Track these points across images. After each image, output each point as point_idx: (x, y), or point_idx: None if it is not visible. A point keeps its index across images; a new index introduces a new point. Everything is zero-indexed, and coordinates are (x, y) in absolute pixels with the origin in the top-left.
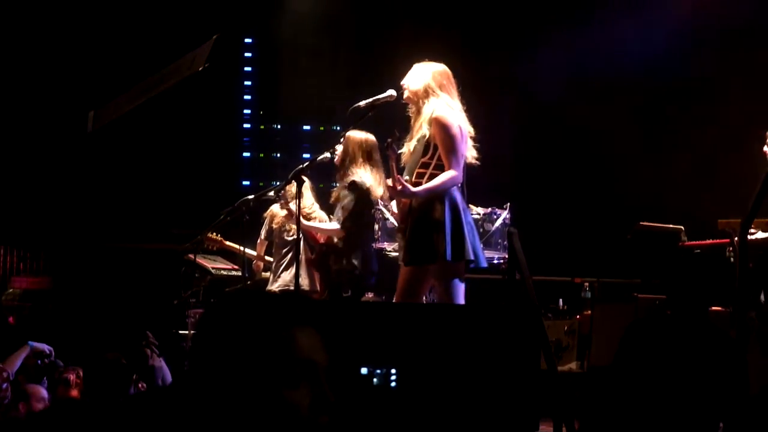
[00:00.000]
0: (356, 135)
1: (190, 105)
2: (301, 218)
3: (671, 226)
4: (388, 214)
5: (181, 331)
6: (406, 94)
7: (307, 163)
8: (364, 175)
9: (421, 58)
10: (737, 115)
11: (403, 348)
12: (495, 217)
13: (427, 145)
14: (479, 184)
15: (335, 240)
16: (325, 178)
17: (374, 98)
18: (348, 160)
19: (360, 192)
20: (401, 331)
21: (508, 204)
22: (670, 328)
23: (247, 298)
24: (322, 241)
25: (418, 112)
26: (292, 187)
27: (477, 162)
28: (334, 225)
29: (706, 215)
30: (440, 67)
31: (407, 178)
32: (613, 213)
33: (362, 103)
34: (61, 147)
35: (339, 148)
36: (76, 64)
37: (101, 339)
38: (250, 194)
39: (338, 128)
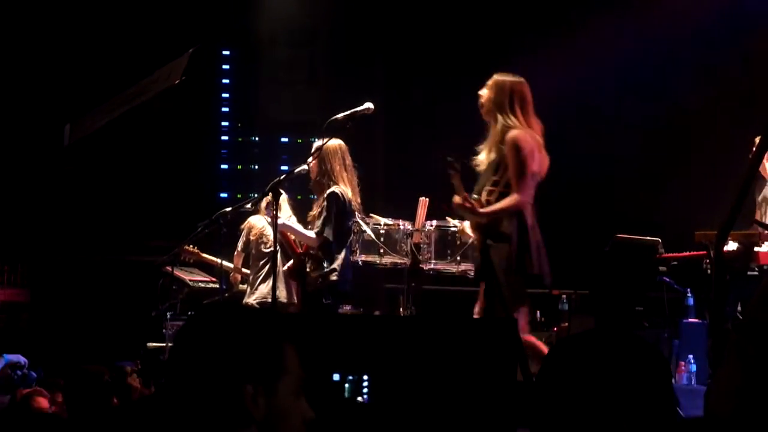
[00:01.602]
0: (330, 144)
1: (168, 117)
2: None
3: (648, 238)
4: (365, 227)
5: (158, 344)
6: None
7: (284, 176)
8: (343, 187)
9: (401, 71)
10: (717, 127)
11: (377, 360)
12: None
13: (498, 164)
14: None
15: (312, 249)
16: (303, 191)
17: (352, 111)
18: (325, 171)
19: (339, 203)
20: (376, 343)
21: None
22: (593, 345)
23: (225, 310)
24: (299, 251)
25: (493, 123)
26: (270, 200)
27: (542, 177)
28: (312, 233)
29: (683, 227)
30: (518, 81)
31: (475, 197)
32: (590, 225)
33: (340, 115)
34: (38, 159)
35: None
36: (53, 77)
37: (78, 351)
38: (228, 206)
39: (315, 140)
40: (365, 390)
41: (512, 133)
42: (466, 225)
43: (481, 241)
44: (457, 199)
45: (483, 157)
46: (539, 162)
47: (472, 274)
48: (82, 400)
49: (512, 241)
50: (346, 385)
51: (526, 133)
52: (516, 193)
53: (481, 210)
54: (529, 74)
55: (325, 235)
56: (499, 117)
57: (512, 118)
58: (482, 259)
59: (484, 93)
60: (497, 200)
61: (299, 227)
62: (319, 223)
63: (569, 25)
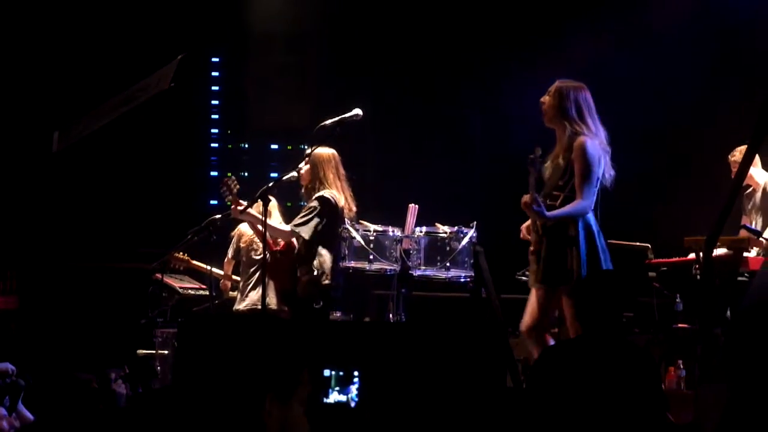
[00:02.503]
0: (322, 152)
1: (157, 124)
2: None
3: (638, 243)
4: (354, 233)
5: (148, 351)
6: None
7: (273, 183)
8: (335, 193)
9: (391, 75)
10: (708, 132)
11: (368, 365)
12: (462, 235)
13: (565, 170)
14: (446, 203)
15: (297, 247)
16: (292, 197)
17: (340, 117)
18: (318, 178)
19: (328, 206)
20: (367, 349)
21: (475, 223)
22: (581, 350)
23: (249, 322)
24: (275, 248)
25: (559, 130)
26: (259, 206)
27: (609, 185)
28: (284, 227)
29: (673, 232)
30: (580, 87)
31: (541, 199)
32: None
33: (328, 122)
34: (27, 166)
35: (304, 167)
36: (42, 84)
37: (68, 359)
38: (218, 213)
39: (305, 147)
40: (355, 393)
41: (580, 139)
42: (525, 226)
43: (546, 244)
44: (526, 198)
45: (549, 163)
46: (605, 168)
47: (468, 280)
48: (71, 407)
49: (579, 245)
50: (336, 388)
51: (594, 140)
52: (580, 199)
53: (547, 213)
54: (523, 79)
55: (299, 232)
56: (566, 124)
57: (580, 124)
58: (475, 265)
59: (546, 99)
60: (561, 204)
61: (277, 224)
62: (298, 218)
63: (563, 30)
